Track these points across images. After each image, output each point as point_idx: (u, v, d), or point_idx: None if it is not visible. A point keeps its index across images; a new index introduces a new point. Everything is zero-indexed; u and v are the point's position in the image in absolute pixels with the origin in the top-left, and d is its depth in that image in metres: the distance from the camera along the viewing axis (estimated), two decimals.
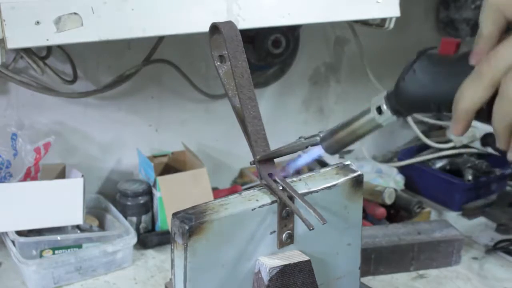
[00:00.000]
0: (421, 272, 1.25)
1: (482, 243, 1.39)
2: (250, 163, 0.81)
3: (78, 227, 1.28)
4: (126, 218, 1.32)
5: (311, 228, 0.72)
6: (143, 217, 1.36)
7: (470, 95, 0.57)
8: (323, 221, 0.72)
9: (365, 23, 1.37)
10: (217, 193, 1.44)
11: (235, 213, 0.74)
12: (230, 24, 0.79)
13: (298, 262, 0.77)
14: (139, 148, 1.44)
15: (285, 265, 0.76)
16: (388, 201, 1.43)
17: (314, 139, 0.79)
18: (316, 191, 0.80)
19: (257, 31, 1.39)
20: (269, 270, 0.75)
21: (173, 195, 1.34)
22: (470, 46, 0.60)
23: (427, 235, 1.27)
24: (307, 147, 0.79)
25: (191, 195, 1.33)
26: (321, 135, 0.79)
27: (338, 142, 0.72)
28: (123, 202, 1.35)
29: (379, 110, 0.66)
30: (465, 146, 1.68)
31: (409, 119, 1.67)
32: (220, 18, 1.02)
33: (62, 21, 0.99)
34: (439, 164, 1.67)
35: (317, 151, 0.75)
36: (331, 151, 0.73)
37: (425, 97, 0.61)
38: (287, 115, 1.68)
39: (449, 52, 0.61)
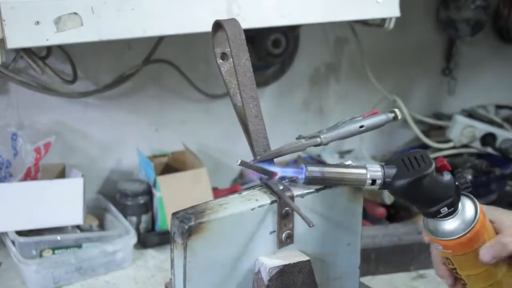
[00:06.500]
0: (421, 272, 1.25)
1: None
2: None
3: (78, 227, 1.28)
4: (126, 218, 1.32)
5: (311, 225, 0.72)
6: (143, 217, 1.36)
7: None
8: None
9: (365, 23, 1.37)
10: (217, 193, 1.44)
11: (234, 213, 0.74)
12: (234, 21, 0.78)
13: (298, 262, 0.77)
14: (139, 148, 1.44)
15: (285, 265, 0.76)
16: (388, 201, 1.43)
17: (314, 140, 0.79)
18: (316, 191, 0.80)
19: (257, 31, 1.39)
20: (269, 270, 0.75)
21: (173, 195, 1.34)
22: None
23: None
24: (306, 148, 0.79)
25: (191, 195, 1.33)
26: (321, 136, 0.79)
27: (323, 177, 0.75)
28: (123, 202, 1.35)
29: (373, 182, 0.76)
30: (465, 146, 1.68)
31: (409, 118, 1.67)
32: (220, 18, 1.02)
33: (62, 21, 0.99)
34: None
35: (296, 172, 0.76)
36: (309, 181, 0.75)
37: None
38: (287, 115, 1.68)
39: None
